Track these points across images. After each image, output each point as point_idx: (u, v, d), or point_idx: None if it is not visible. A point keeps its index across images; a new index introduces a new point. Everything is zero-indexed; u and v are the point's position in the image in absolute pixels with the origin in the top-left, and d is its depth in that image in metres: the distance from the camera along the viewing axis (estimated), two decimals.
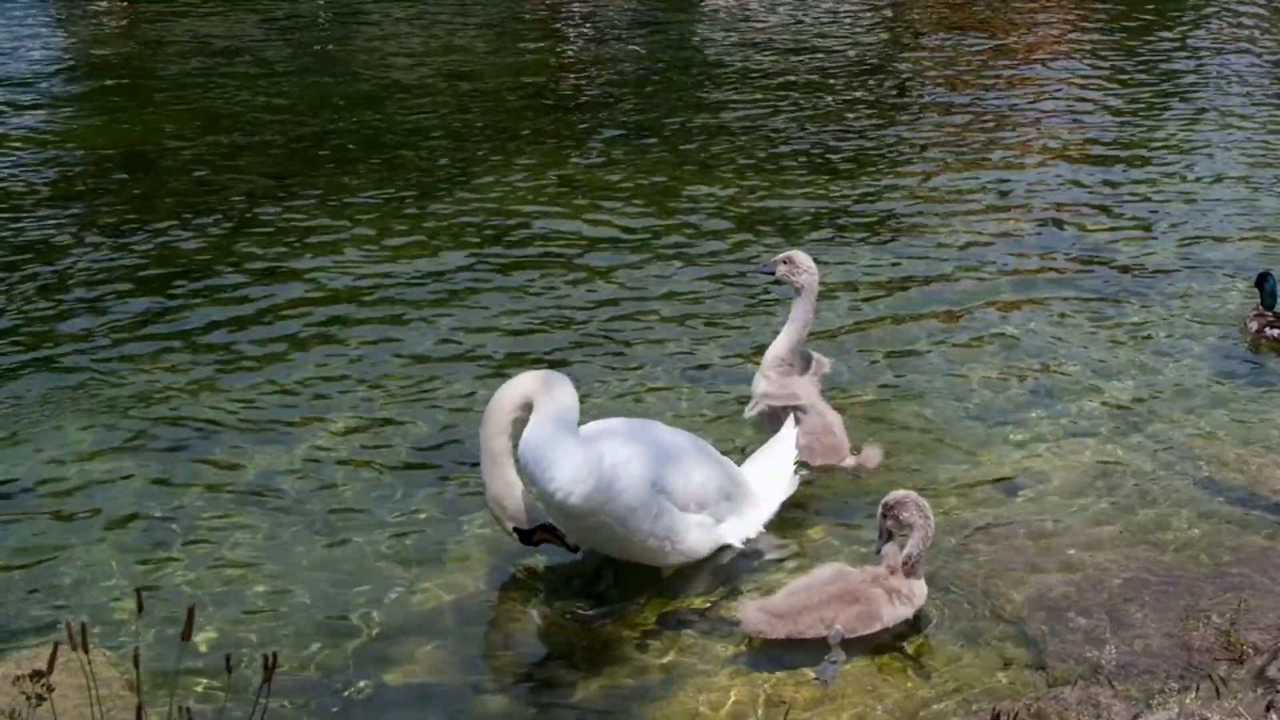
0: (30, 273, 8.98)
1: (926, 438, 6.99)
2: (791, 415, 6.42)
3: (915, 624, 5.51)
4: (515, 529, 5.79)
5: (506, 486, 5.74)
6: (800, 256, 6.60)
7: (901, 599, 5.43)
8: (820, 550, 6.02)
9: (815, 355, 6.80)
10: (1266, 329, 8.18)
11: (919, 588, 5.49)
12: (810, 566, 5.70)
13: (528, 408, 5.57)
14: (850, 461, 6.56)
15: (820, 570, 5.55)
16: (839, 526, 6.25)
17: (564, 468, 5.41)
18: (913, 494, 5.49)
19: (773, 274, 6.69)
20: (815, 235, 9.72)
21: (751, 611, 5.37)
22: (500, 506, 5.78)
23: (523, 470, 5.59)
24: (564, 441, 5.46)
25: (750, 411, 6.75)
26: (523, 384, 5.66)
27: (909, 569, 5.46)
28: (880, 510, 5.49)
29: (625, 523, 5.58)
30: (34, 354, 7.87)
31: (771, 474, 6.19)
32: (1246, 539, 6.08)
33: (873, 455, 6.58)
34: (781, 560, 5.98)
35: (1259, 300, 8.33)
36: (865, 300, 8.67)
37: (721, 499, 5.89)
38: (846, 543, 6.04)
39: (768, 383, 6.64)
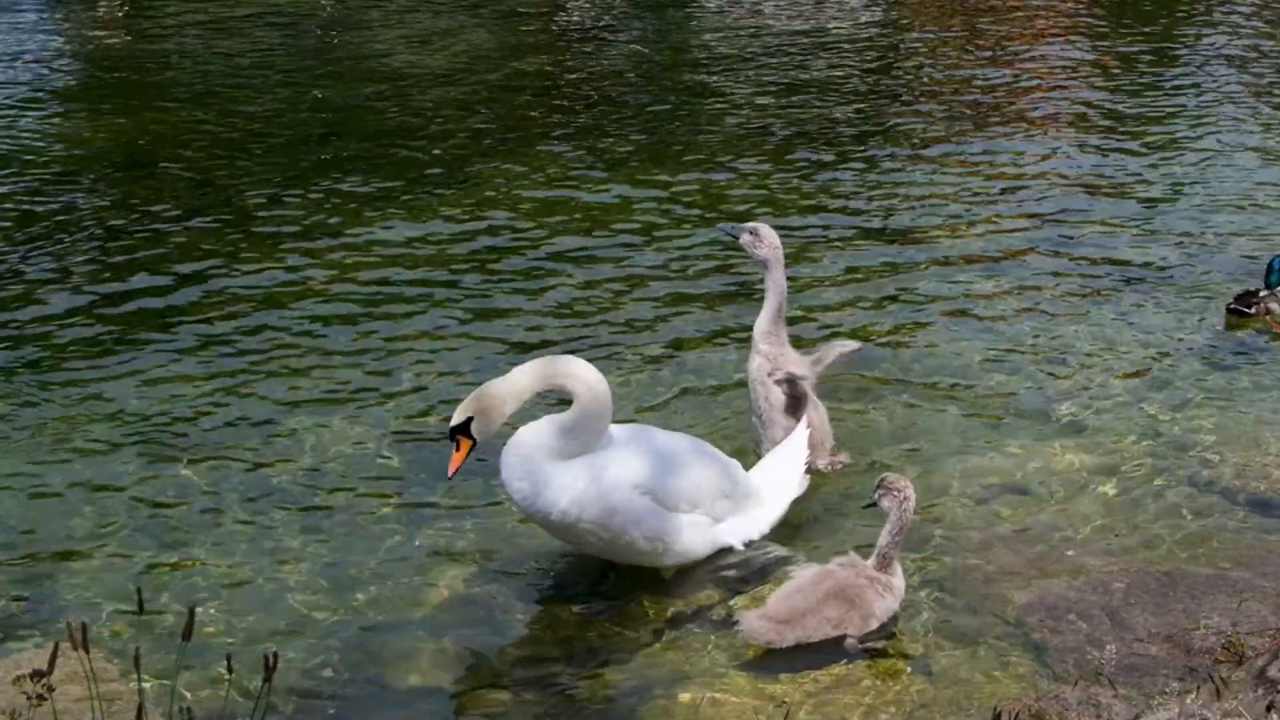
0: (29, 271, 8.97)
1: (925, 439, 6.97)
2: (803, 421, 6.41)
3: (915, 625, 5.51)
4: (459, 422, 5.50)
5: (508, 394, 5.55)
6: (765, 230, 6.61)
7: (883, 588, 5.43)
8: (818, 549, 6.00)
9: (826, 346, 6.79)
10: (1234, 301, 8.22)
11: (896, 582, 5.47)
12: (809, 565, 5.68)
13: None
14: (824, 462, 6.55)
15: (803, 572, 5.51)
16: (837, 524, 6.26)
17: (548, 491, 5.50)
18: (903, 484, 5.46)
19: (736, 238, 6.70)
20: (816, 233, 9.71)
21: (755, 622, 5.32)
22: (486, 394, 5.52)
23: (502, 485, 5.65)
24: (541, 464, 5.53)
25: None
26: (573, 372, 5.59)
27: (880, 564, 5.45)
28: (878, 482, 5.50)
29: (608, 527, 5.59)
30: (32, 352, 7.85)
31: (779, 475, 6.15)
32: (1246, 539, 6.07)
33: (839, 459, 6.63)
34: (780, 560, 5.96)
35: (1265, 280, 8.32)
36: (865, 299, 8.65)
37: (719, 498, 5.85)
38: (844, 541, 6.03)
39: (760, 357, 6.63)
